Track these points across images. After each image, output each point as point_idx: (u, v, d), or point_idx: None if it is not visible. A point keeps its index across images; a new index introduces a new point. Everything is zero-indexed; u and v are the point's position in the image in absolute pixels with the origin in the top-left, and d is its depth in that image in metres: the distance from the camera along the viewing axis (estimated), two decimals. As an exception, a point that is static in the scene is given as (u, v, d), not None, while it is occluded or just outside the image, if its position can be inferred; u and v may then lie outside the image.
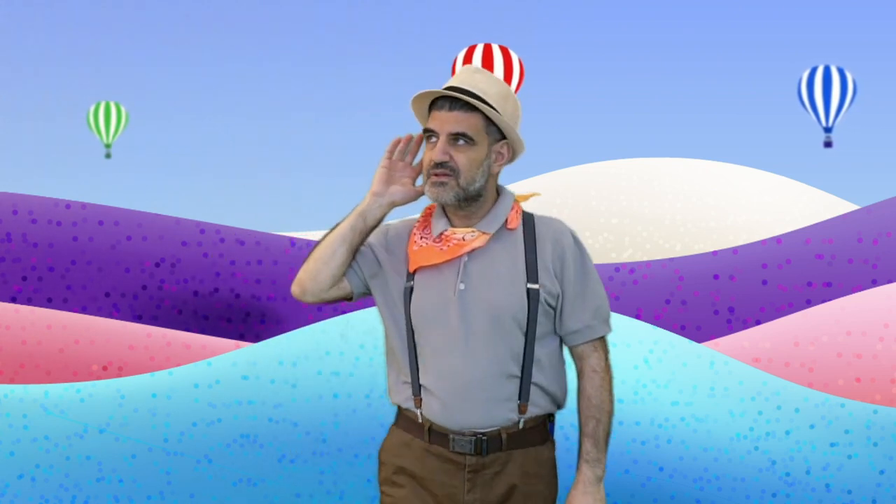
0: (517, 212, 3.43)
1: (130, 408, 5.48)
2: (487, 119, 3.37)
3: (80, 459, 5.41)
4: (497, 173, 3.43)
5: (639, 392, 5.43)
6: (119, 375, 6.23)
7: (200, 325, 6.95)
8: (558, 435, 3.56)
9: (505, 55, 14.74)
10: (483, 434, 3.34)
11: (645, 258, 8.71)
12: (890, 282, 6.51)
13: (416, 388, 3.37)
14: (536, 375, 3.36)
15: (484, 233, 3.37)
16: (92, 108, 21.54)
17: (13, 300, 6.78)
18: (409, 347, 3.39)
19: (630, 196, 9.43)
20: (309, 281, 3.42)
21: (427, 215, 3.47)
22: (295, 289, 3.44)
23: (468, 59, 14.74)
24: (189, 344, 6.41)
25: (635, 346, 5.58)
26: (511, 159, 3.44)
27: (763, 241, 7.12)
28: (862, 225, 6.94)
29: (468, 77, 3.40)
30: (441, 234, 3.39)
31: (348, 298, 3.47)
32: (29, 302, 6.79)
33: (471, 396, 3.32)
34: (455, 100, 3.35)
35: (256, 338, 6.69)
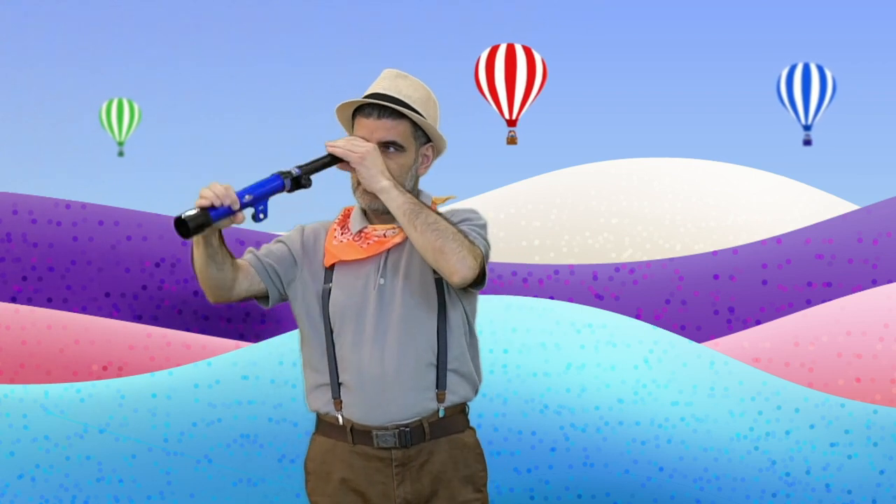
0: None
1: (130, 408, 5.48)
2: (414, 124, 3.40)
3: (80, 459, 5.41)
4: (422, 175, 3.48)
5: (639, 392, 5.44)
6: (119, 375, 6.23)
7: (200, 325, 6.94)
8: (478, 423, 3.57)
9: (528, 55, 14.71)
10: (405, 426, 3.37)
11: (645, 258, 8.71)
12: (890, 282, 6.51)
13: (336, 388, 3.39)
14: (452, 362, 3.39)
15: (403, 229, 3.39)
16: (104, 106, 21.42)
17: (13, 300, 6.78)
18: (327, 348, 3.40)
19: (630, 196, 9.42)
20: (202, 285, 3.38)
21: (346, 215, 3.50)
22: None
23: (491, 60, 14.71)
24: (189, 344, 6.41)
25: (635, 346, 5.58)
26: (434, 158, 3.49)
27: (763, 241, 7.12)
28: (862, 225, 6.94)
29: (392, 83, 3.42)
30: (361, 231, 3.42)
31: (262, 301, 3.46)
32: (29, 302, 6.79)
33: (390, 388, 3.35)
34: (383, 107, 3.37)
35: (256, 338, 6.69)
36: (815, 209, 9.18)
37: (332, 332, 3.40)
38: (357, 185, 3.39)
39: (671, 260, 7.26)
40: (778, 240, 7.07)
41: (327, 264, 3.42)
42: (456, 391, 3.41)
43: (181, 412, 5.46)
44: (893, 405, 5.74)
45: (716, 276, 6.91)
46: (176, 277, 6.97)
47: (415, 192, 3.46)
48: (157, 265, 6.97)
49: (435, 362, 3.38)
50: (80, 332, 6.39)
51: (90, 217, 7.01)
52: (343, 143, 3.32)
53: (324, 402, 3.42)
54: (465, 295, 3.43)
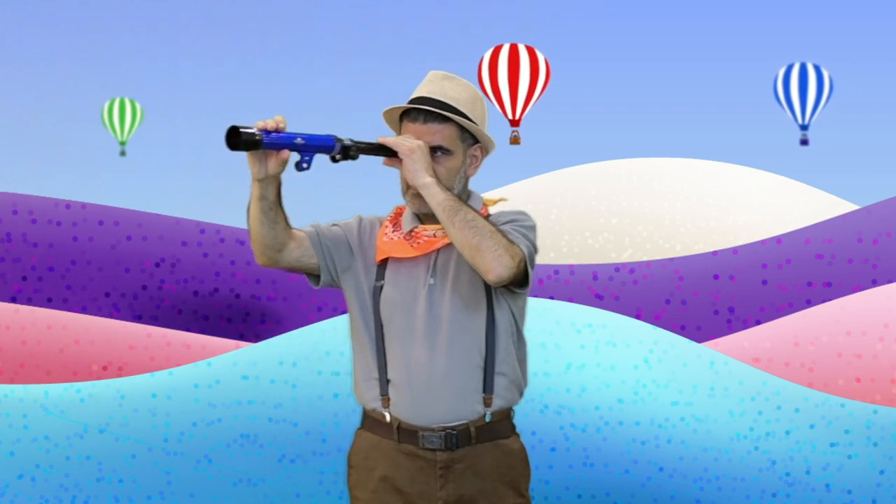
0: (485, 213, 3.46)
1: (130, 408, 5.48)
2: (461, 126, 3.40)
3: (80, 459, 5.42)
4: (472, 175, 3.48)
5: (639, 392, 5.44)
6: (119, 375, 6.24)
7: (200, 325, 6.96)
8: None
9: (531, 55, 14.68)
10: (452, 429, 3.36)
11: (645, 258, 8.72)
12: (890, 282, 6.52)
13: (384, 385, 3.40)
14: (500, 365, 3.39)
15: None
16: (106, 105, 21.36)
17: (13, 300, 6.79)
18: (377, 344, 3.41)
19: (630, 196, 9.43)
20: (252, 243, 3.41)
21: (398, 214, 3.51)
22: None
23: (494, 60, 14.68)
24: (189, 344, 6.42)
25: (635, 346, 5.58)
26: (483, 158, 3.50)
27: (763, 241, 7.13)
28: (862, 225, 6.96)
29: (437, 86, 3.42)
30: (411, 230, 3.43)
31: (312, 280, 3.48)
32: (29, 302, 6.80)
33: (438, 388, 3.35)
34: (429, 112, 3.38)
35: (256, 338, 6.69)
36: (815, 209, 9.19)
37: (381, 327, 3.41)
38: (407, 188, 3.40)
39: (671, 260, 7.27)
40: (778, 240, 7.09)
41: (378, 259, 3.43)
42: (503, 395, 3.40)
43: (181, 412, 5.46)
44: (893, 405, 5.74)
45: (716, 276, 6.92)
46: (176, 277, 6.98)
47: (465, 194, 3.46)
48: (157, 265, 6.98)
49: (482, 364, 3.38)
50: (80, 332, 6.39)
51: (90, 217, 7.02)
52: (395, 138, 3.36)
53: (372, 398, 3.42)
54: (511, 296, 3.42)
